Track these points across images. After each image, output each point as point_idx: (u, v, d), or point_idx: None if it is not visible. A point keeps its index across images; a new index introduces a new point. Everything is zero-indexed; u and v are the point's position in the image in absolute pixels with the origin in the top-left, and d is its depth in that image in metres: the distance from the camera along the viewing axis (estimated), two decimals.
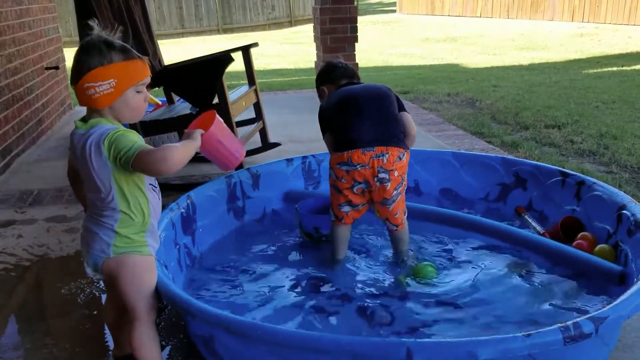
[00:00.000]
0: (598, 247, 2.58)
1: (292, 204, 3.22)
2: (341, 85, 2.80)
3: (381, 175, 2.52)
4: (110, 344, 2.21)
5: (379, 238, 2.99)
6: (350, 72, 2.87)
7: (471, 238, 2.88)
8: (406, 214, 2.71)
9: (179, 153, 1.80)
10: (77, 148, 1.84)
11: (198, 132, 1.95)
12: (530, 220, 2.95)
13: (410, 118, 2.71)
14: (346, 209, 2.64)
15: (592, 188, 2.86)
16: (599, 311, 1.80)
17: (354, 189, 2.58)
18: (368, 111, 2.61)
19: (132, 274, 1.91)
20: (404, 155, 2.57)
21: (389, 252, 2.84)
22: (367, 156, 2.50)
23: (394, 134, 2.59)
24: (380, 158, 2.51)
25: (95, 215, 1.89)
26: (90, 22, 1.86)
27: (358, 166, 2.51)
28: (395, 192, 2.58)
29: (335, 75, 2.84)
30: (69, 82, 1.86)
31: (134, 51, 1.86)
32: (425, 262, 2.68)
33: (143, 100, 1.88)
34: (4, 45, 4.66)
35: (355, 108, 2.62)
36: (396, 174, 2.54)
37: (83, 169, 1.86)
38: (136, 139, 1.80)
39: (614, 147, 4.73)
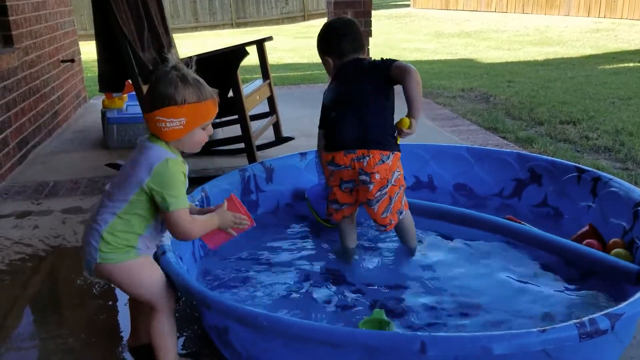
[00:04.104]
0: (614, 251, 2.52)
1: (301, 201, 3.24)
2: (347, 61, 2.66)
3: (362, 177, 2.54)
4: (125, 335, 2.23)
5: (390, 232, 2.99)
6: (358, 45, 2.68)
7: (483, 235, 2.86)
8: (402, 214, 2.67)
9: (200, 230, 1.95)
10: (135, 150, 1.93)
11: (223, 215, 2.02)
12: None
13: (401, 63, 2.56)
14: (334, 206, 2.69)
15: (608, 184, 2.83)
16: (616, 307, 1.79)
17: (342, 187, 2.63)
18: (356, 112, 2.58)
19: (128, 280, 1.94)
20: (388, 158, 2.53)
21: (402, 245, 2.84)
22: (348, 158, 2.54)
23: (377, 137, 2.54)
24: (361, 161, 2.52)
25: (94, 217, 1.93)
26: (169, 56, 1.92)
27: (342, 167, 2.57)
28: (379, 193, 2.55)
29: (343, 48, 2.66)
30: (146, 109, 1.95)
31: (207, 88, 1.91)
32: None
33: (206, 135, 1.97)
34: (20, 38, 4.70)
35: (344, 108, 2.61)
36: (377, 176, 2.52)
37: (125, 166, 1.93)
38: (181, 192, 1.86)
39: (630, 144, 4.68)
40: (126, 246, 1.90)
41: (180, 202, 1.85)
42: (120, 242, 1.89)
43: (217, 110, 1.95)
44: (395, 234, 2.81)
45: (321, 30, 2.78)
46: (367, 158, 2.52)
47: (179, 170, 1.88)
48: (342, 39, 2.67)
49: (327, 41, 2.73)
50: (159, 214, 1.91)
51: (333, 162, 2.58)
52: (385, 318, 2.13)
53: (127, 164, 1.96)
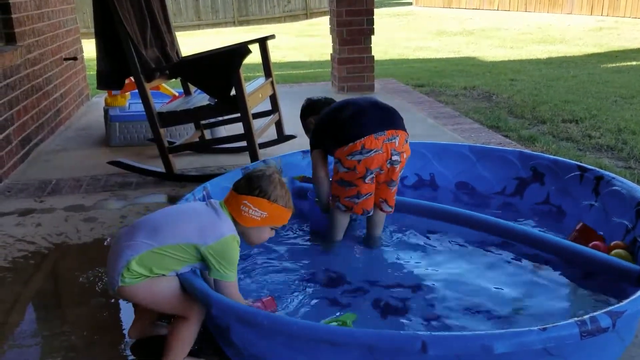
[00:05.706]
0: (614, 251, 2.50)
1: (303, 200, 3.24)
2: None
3: (394, 157, 2.61)
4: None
5: (392, 230, 2.99)
6: (330, 101, 3.06)
7: (482, 233, 2.85)
8: None
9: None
10: (200, 204, 2.07)
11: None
12: None
13: None
14: (355, 200, 2.68)
15: (610, 183, 2.83)
16: (617, 305, 1.79)
17: (366, 179, 2.61)
18: (366, 104, 2.72)
19: (152, 298, 1.98)
20: (408, 139, 2.68)
21: (403, 244, 2.84)
22: (380, 140, 2.57)
23: (397, 118, 2.70)
24: (393, 141, 2.59)
25: (129, 242, 1.95)
26: (269, 162, 2.09)
27: (372, 152, 2.56)
28: (400, 173, 2.73)
29: (318, 106, 3.05)
30: (235, 191, 2.08)
31: (291, 199, 2.10)
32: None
33: (269, 236, 2.12)
34: (23, 35, 4.70)
35: (353, 106, 2.72)
36: (405, 156, 2.67)
37: (180, 212, 2.09)
38: (235, 267, 1.99)
39: (632, 142, 4.67)
40: (147, 276, 1.94)
41: (234, 275, 1.98)
42: (145, 272, 1.92)
43: (288, 220, 2.12)
44: (398, 230, 2.82)
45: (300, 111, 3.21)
46: (397, 138, 2.60)
47: (238, 250, 2.00)
48: (315, 102, 3.14)
49: (306, 110, 3.16)
50: (208, 273, 1.99)
51: (362, 149, 2.56)
52: (351, 325, 2.11)
53: (182, 209, 2.09)
